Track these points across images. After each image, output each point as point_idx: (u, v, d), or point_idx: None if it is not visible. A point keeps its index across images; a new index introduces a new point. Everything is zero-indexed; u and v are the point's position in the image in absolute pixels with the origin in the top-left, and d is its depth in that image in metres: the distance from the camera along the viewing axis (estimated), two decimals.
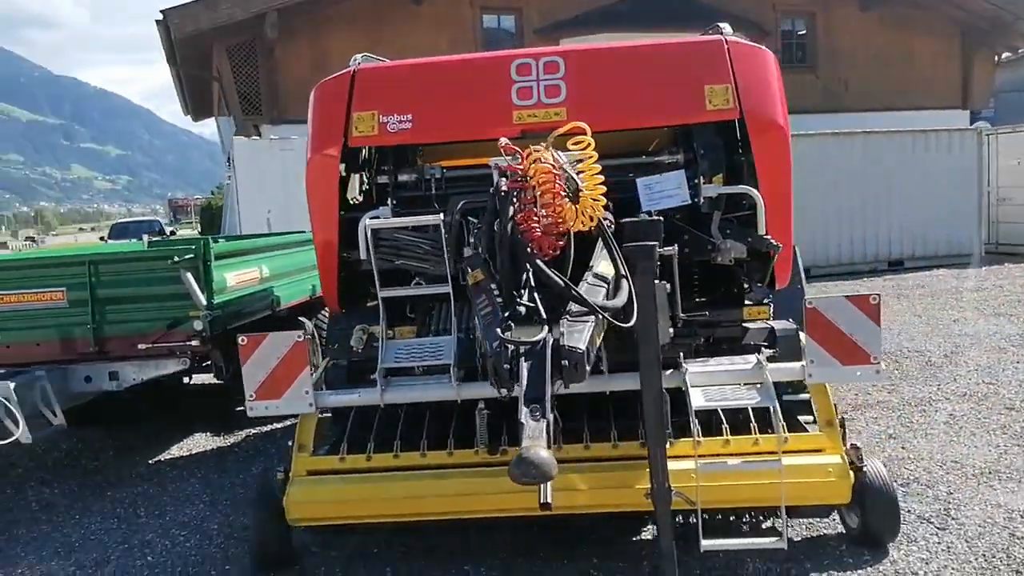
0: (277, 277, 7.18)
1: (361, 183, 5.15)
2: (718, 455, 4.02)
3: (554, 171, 3.18)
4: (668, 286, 3.71)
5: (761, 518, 4.62)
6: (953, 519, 4.70)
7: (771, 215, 4.30)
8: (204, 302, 5.75)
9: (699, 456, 3.86)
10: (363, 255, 4.16)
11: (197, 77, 19.67)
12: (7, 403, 5.34)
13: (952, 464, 5.58)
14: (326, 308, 6.20)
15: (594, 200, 3.25)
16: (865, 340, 3.85)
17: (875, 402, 7.22)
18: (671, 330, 3.73)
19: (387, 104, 4.34)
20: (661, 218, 3.85)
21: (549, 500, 3.14)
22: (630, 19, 17.73)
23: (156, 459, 6.89)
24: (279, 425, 7.34)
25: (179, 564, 4.76)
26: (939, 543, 4.42)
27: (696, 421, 3.84)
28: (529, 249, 3.13)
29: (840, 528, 4.54)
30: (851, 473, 3.91)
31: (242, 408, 4.41)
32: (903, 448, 5.97)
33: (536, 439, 2.55)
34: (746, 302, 4.63)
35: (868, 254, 16.75)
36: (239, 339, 4.07)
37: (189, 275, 5.70)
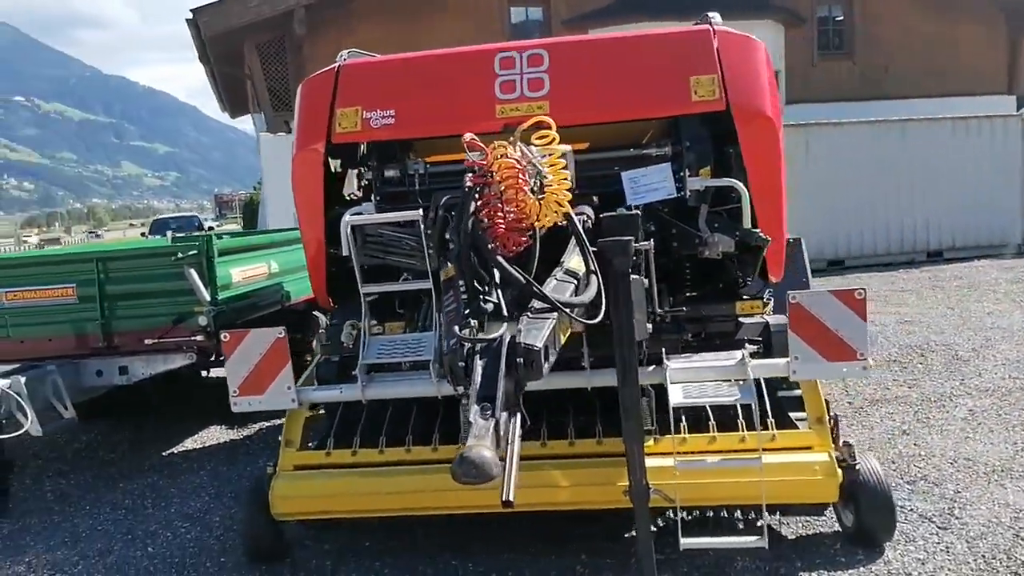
0: (288, 272, 7.23)
1: (359, 179, 5.16)
2: (704, 452, 3.96)
3: (517, 166, 3.14)
4: (645, 281, 3.65)
5: (753, 515, 4.55)
6: (956, 518, 4.57)
7: (761, 208, 4.21)
8: (207, 298, 5.82)
9: (679, 453, 3.80)
10: (345, 251, 4.16)
11: (230, 75, 19.92)
12: (18, 397, 5.45)
13: (964, 462, 5.43)
14: None
15: (559, 195, 3.21)
16: (851, 336, 3.75)
17: (893, 397, 7.06)
18: (649, 326, 3.66)
19: (371, 100, 4.33)
20: (639, 212, 3.79)
21: (511, 498, 3.11)
22: (658, 8, 17.53)
23: (170, 451, 7.00)
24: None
25: (177, 555, 4.83)
26: (939, 543, 4.31)
27: (675, 418, 3.78)
28: (491, 245, 3.09)
29: (837, 526, 4.45)
30: (839, 471, 3.82)
31: None
32: (915, 444, 5.82)
33: (481, 438, 2.51)
34: (743, 296, 4.54)
35: (905, 245, 16.41)
36: (222, 336, 4.11)
37: (192, 271, 5.76)
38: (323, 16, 17.25)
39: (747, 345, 4.05)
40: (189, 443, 7.18)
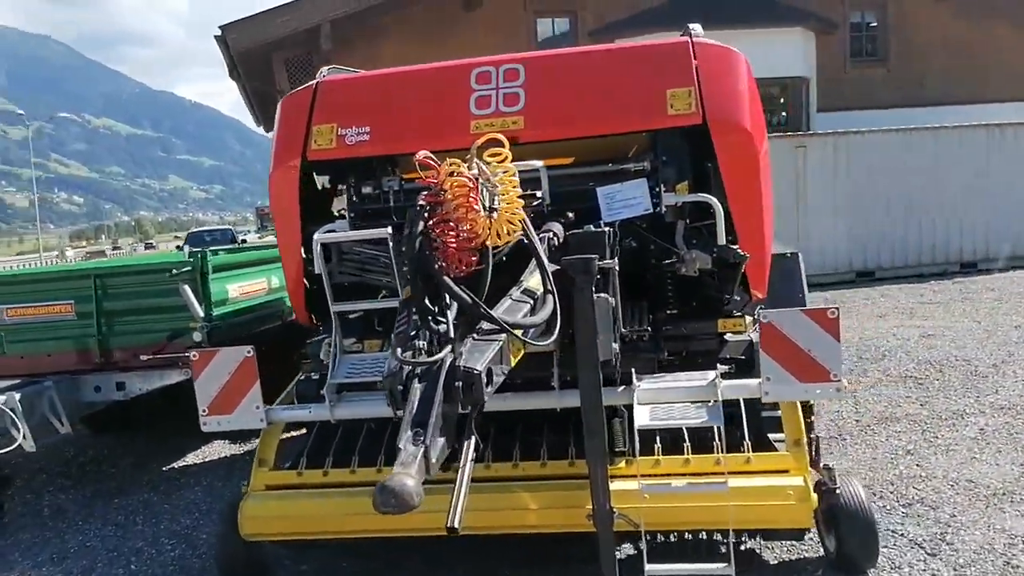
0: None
1: (349, 195, 5.14)
2: (677, 475, 3.86)
3: (469, 184, 3.09)
4: (612, 300, 3.57)
5: (728, 540, 4.43)
6: (948, 544, 4.41)
7: (741, 224, 4.10)
8: (201, 314, 5.84)
9: (644, 476, 3.71)
10: (317, 269, 4.14)
11: (262, 90, 20.14)
12: (12, 413, 5.51)
13: (966, 484, 5.24)
14: None
15: (510, 214, 3.14)
16: (824, 356, 3.63)
17: (903, 415, 6.87)
18: (616, 345, 3.58)
19: (346, 116, 4.31)
20: (607, 230, 3.71)
21: (455, 525, 3.05)
22: (685, 17, 17.36)
23: (170, 466, 7.04)
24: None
25: (159, 573, 4.84)
26: (924, 570, 4.15)
27: (642, 440, 3.69)
28: (437, 265, 3.04)
29: (823, 551, 4.32)
30: (813, 496, 3.69)
31: None
32: (917, 465, 5.65)
33: (407, 465, 2.45)
34: (733, 313, 4.43)
35: (938, 256, 16.02)
36: (191, 355, 4.10)
37: (187, 287, 5.79)
38: (349, 32, 17.37)
39: (719, 366, 3.94)
40: (190, 458, 7.21)
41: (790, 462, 3.84)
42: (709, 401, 3.66)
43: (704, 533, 4.16)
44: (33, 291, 6.23)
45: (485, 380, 2.76)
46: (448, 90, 4.27)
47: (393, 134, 4.25)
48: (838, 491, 3.99)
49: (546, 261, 3.29)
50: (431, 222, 3.10)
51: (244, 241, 33.31)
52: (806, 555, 4.38)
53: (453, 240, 3.09)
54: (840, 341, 3.64)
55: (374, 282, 4.34)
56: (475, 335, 2.93)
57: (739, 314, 4.39)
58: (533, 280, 3.36)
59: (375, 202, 4.48)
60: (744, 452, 3.90)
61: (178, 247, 37.19)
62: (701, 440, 3.99)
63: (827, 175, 15.61)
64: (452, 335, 2.93)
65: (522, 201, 3.17)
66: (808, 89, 20.27)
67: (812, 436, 4.15)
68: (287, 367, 5.10)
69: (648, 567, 3.55)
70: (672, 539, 4.21)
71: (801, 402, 5.14)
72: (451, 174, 3.09)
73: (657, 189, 4.10)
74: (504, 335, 2.94)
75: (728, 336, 4.45)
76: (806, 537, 4.40)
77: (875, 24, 21.86)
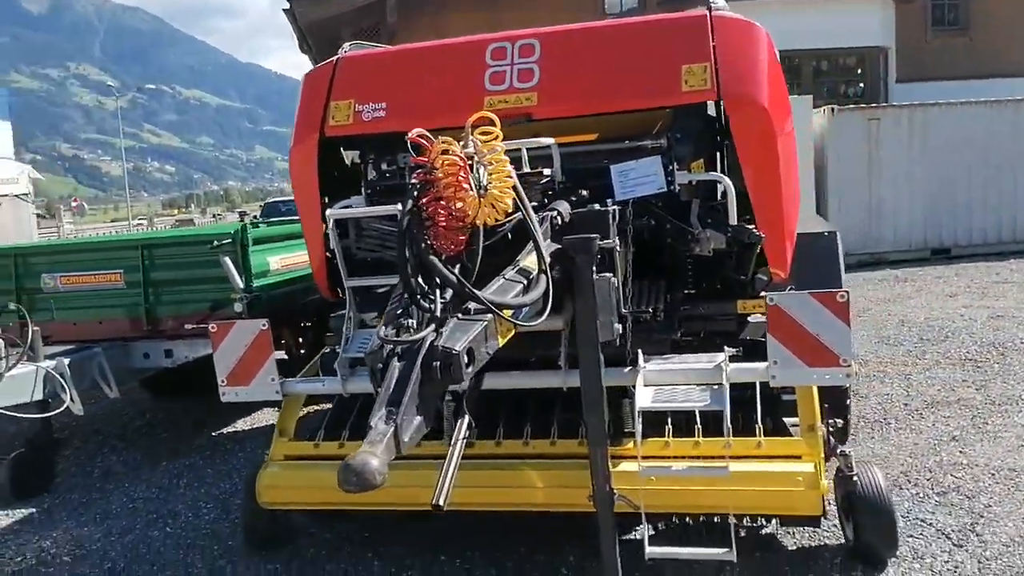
0: None
1: (366, 171, 5.17)
2: (686, 457, 3.81)
3: (459, 163, 3.07)
4: (615, 280, 3.52)
5: (761, 523, 4.36)
6: (977, 535, 4.25)
7: (758, 203, 3.98)
8: (241, 285, 5.97)
9: (646, 457, 3.67)
10: (331, 244, 4.19)
11: None
12: (60, 378, 5.76)
13: (1007, 473, 5.04)
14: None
15: (499, 194, 3.11)
16: (833, 340, 3.51)
17: (956, 399, 6.62)
18: (618, 326, 3.53)
19: (363, 92, 4.32)
20: (611, 208, 3.65)
21: (440, 503, 3.08)
22: None
23: (219, 432, 7.27)
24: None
25: (192, 536, 5.02)
26: (948, 561, 4.02)
27: (645, 421, 3.65)
28: (423, 244, 3.03)
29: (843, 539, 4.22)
30: (823, 483, 3.59)
31: None
32: (961, 452, 5.45)
33: (374, 444, 2.47)
34: (762, 294, 4.32)
35: (1019, 233, 15.29)
36: (210, 326, 4.21)
37: (227, 259, 5.93)
38: (415, 3, 17.40)
39: (726, 348, 3.84)
40: (240, 424, 7.43)
41: (803, 447, 3.74)
42: (715, 384, 3.58)
43: (718, 517, 4.09)
44: (84, 260, 6.48)
45: (466, 360, 2.75)
46: (463, 66, 4.24)
47: (408, 110, 4.25)
48: (855, 478, 3.88)
49: (541, 240, 3.25)
50: (423, 200, 3.09)
51: None
52: (827, 542, 4.28)
53: (443, 219, 3.08)
54: (850, 325, 3.51)
55: (392, 258, 4.37)
56: (459, 315, 2.92)
57: (762, 295, 4.28)
58: (530, 259, 3.32)
59: (392, 178, 4.50)
60: (756, 436, 3.82)
61: (254, 216, 38.00)
62: (716, 423, 3.92)
63: (902, 149, 15.01)
64: (439, 314, 2.94)
65: (512, 180, 3.13)
66: (887, 59, 19.52)
67: (830, 421, 4.03)
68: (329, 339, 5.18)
69: (649, 549, 3.52)
70: (688, 522, 4.16)
71: (835, 386, 5.07)
72: (445, 152, 3.08)
73: (671, 167, 4.01)
74: (490, 315, 2.93)
75: (751, 317, 4.35)
76: (828, 524, 4.32)
77: None
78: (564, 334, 3.90)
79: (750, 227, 4.00)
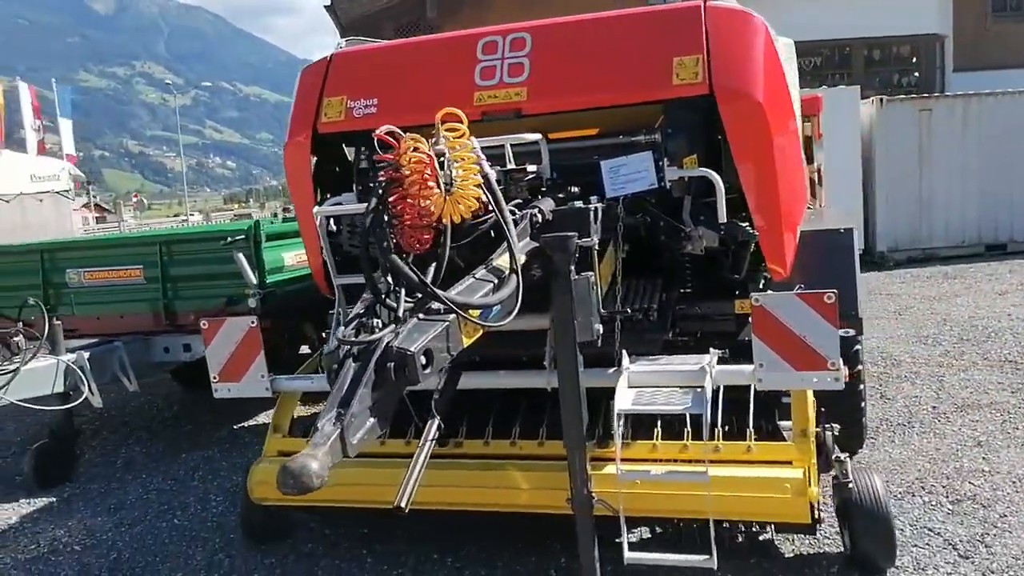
0: None
1: (357, 168, 5.16)
2: (672, 461, 3.73)
3: (425, 160, 3.03)
4: (595, 279, 3.44)
5: (756, 528, 4.25)
6: (986, 547, 4.08)
7: (753, 200, 3.86)
8: (254, 281, 6.03)
9: (635, 461, 3.60)
10: (320, 242, 4.19)
11: None
12: (80, 372, 5.88)
13: None
14: None
15: (466, 192, 3.06)
16: (820, 343, 3.38)
17: (988, 403, 6.37)
18: (599, 326, 3.45)
19: (355, 88, 4.31)
20: (592, 207, 3.57)
21: (403, 504, 3.06)
22: None
23: (240, 424, 7.36)
24: None
25: (197, 528, 5.08)
26: (951, 573, 3.86)
27: (625, 423, 3.57)
28: (386, 243, 3.00)
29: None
30: (812, 490, 3.47)
31: None
32: (983, 459, 5.23)
33: (317, 447, 2.45)
34: (752, 294, 4.17)
35: None
36: (201, 323, 4.24)
37: (241, 255, 5.98)
38: None
39: (712, 350, 3.72)
40: (261, 417, 7.50)
41: (793, 453, 3.63)
42: (697, 387, 3.48)
43: (712, 522, 3.99)
44: (106, 256, 6.61)
45: (423, 361, 2.71)
46: (454, 61, 4.20)
47: (399, 106, 4.22)
48: (851, 485, 3.75)
49: (514, 238, 3.19)
50: (391, 199, 3.06)
51: None
52: (826, 549, 4.15)
53: (409, 217, 3.05)
54: (837, 327, 3.37)
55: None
56: (421, 315, 2.88)
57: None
58: (504, 258, 3.27)
59: None
60: (746, 440, 3.72)
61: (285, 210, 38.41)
62: (699, 426, 3.83)
63: (955, 140, 14.49)
64: (401, 314, 2.91)
65: (479, 178, 3.07)
66: (943, 47, 18.88)
67: (824, 426, 3.90)
68: None
69: (628, 555, 3.44)
70: (681, 527, 4.07)
71: (847, 390, 4.90)
72: (412, 149, 3.04)
73: (661, 163, 3.91)
74: (453, 316, 2.88)
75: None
76: (830, 531, 4.19)
77: None
78: (550, 333, 3.84)
79: (744, 225, 3.89)
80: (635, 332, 3.96)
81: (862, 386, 4.98)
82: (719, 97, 3.74)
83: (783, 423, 3.87)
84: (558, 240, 3.31)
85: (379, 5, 16.72)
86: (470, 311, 2.96)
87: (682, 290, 4.26)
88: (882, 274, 13.43)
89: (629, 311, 3.85)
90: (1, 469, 6.62)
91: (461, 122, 3.10)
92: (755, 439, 3.80)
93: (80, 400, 5.84)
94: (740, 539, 4.27)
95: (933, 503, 4.62)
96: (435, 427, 3.26)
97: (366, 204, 3.09)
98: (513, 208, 3.58)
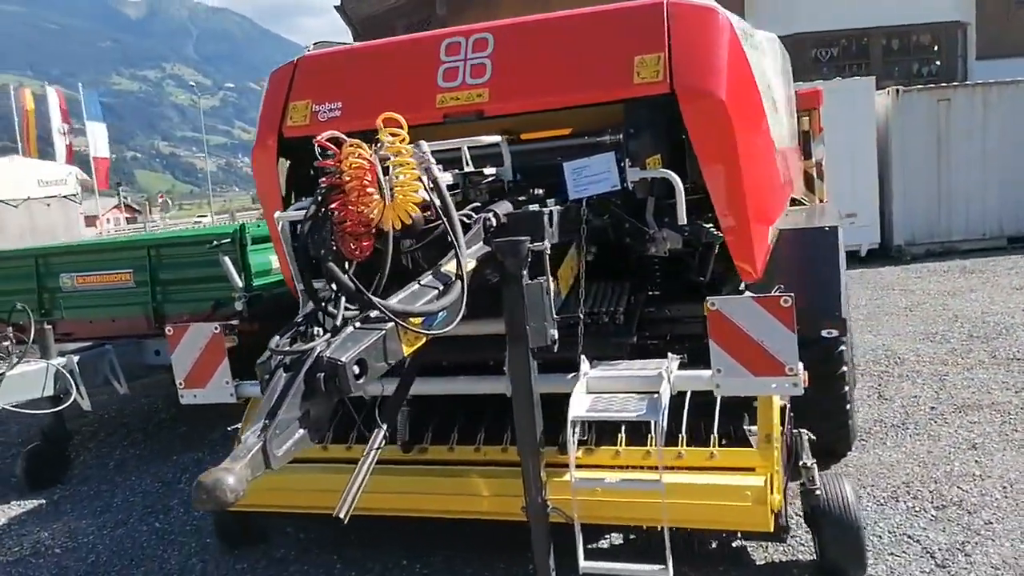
0: None
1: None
2: (636, 468, 3.66)
3: (365, 167, 2.98)
4: (546, 284, 3.38)
5: (725, 537, 4.18)
6: (966, 555, 3.96)
7: (718, 201, 3.77)
8: (240, 284, 6.03)
9: (594, 468, 3.54)
10: (284, 247, 4.15)
11: None
12: (68, 375, 5.91)
13: (1022, 487, 4.68)
14: None
15: (406, 198, 3.00)
16: (777, 348, 3.28)
17: (989, 403, 6.21)
18: (553, 331, 3.38)
19: (320, 92, 4.27)
20: (547, 210, 3.50)
21: (342, 514, 3.03)
22: None
23: (235, 426, 7.34)
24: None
25: (176, 531, 5.10)
26: None
27: (581, 429, 3.51)
28: (323, 250, 2.96)
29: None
30: (773, 497, 3.38)
31: None
32: (976, 462, 5.10)
33: (236, 460, 2.42)
34: (708, 298, 4.06)
35: None
36: (167, 329, 4.23)
37: (227, 259, 5.98)
38: None
39: (670, 355, 3.63)
40: None
41: (756, 459, 3.54)
42: (653, 393, 3.40)
43: (667, 531, 3.91)
44: (97, 260, 6.65)
45: (356, 371, 2.67)
46: (417, 63, 4.14)
47: (363, 109, 4.17)
48: (817, 492, 3.67)
49: (462, 243, 3.14)
50: (334, 205, 3.02)
51: None
52: (800, 557, 4.06)
53: (350, 224, 3.01)
54: (795, 332, 3.28)
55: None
56: (358, 323, 2.84)
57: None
58: (452, 264, 3.22)
59: None
60: (710, 447, 3.64)
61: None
62: (672, 432, 3.75)
63: (975, 130, 14.19)
64: (338, 323, 2.87)
65: (419, 184, 3.02)
66: (966, 35, 18.50)
67: (789, 430, 3.80)
68: None
69: (583, 564, 3.37)
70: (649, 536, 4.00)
71: (832, 392, 4.79)
72: (353, 155, 3.00)
73: (622, 164, 3.83)
74: (391, 324, 2.84)
75: None
76: (806, 538, 4.10)
77: None
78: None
79: (708, 227, 3.80)
80: (600, 336, 3.89)
81: (847, 388, 4.87)
82: (680, 96, 3.65)
83: (751, 428, 3.77)
84: (509, 244, 3.26)
85: (387, 4, 16.71)
86: (412, 319, 2.92)
87: (651, 292, 4.18)
88: (898, 268, 13.21)
89: (589, 314, 3.78)
90: (1, 470, 6.69)
91: (401, 127, 3.05)
92: (725, 444, 3.72)
93: (68, 403, 5.87)
94: (713, 546, 4.19)
95: (917, 509, 4.50)
96: (381, 436, 3.21)
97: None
98: (469, 212, 3.54)
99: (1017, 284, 11.10)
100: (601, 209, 3.98)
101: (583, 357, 3.61)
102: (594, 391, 3.55)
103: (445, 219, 3.14)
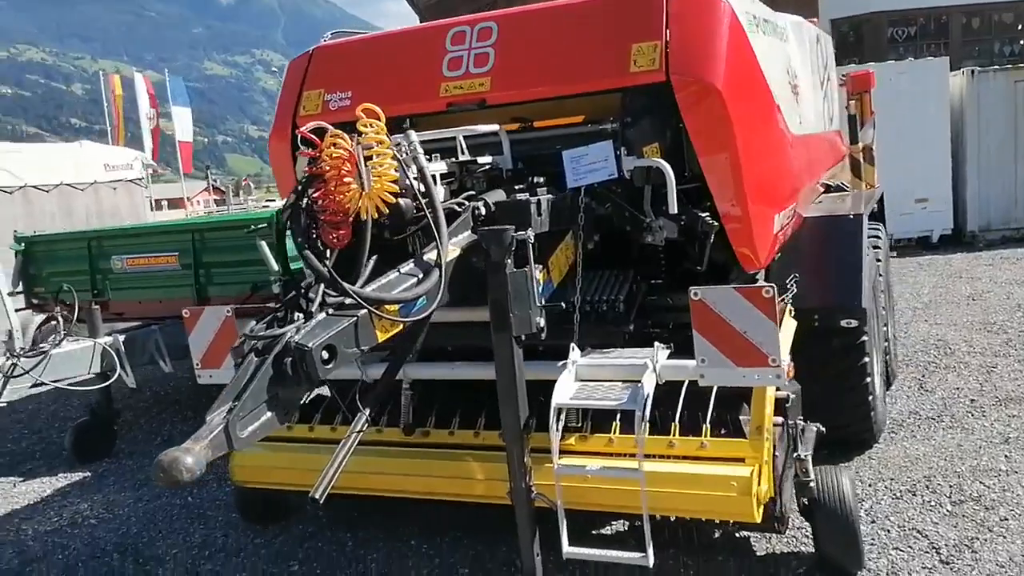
0: None
1: None
2: (628, 455, 3.66)
3: (343, 156, 3.05)
4: (538, 273, 3.41)
5: (729, 527, 4.15)
6: (974, 552, 3.85)
7: (716, 190, 3.74)
8: (276, 268, 6.20)
9: (578, 454, 3.56)
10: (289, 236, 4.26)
11: None
12: (115, 354, 6.20)
13: None
14: None
15: (382, 187, 3.06)
16: (760, 339, 3.23)
17: None
18: (539, 319, 3.41)
19: (332, 81, 4.36)
20: (535, 199, 3.52)
21: (317, 496, 3.13)
22: None
23: None
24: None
25: (205, 506, 5.32)
26: None
27: (565, 416, 3.53)
28: (300, 237, 3.05)
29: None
30: (759, 488, 3.35)
31: None
32: (1005, 457, 4.93)
33: (197, 440, 2.53)
34: (691, 288, 3.98)
35: None
36: (183, 312, 4.40)
37: (263, 243, 6.17)
38: None
39: (656, 343, 3.61)
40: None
41: (746, 450, 3.51)
42: (636, 382, 3.39)
43: (647, 519, 3.89)
44: (146, 243, 6.93)
45: (325, 356, 2.76)
46: (423, 53, 4.20)
47: (371, 98, 4.22)
48: (811, 484, 3.62)
49: (444, 232, 3.20)
50: (316, 194, 3.11)
51: None
52: (803, 549, 4.01)
53: (329, 214, 3.09)
54: (777, 323, 3.23)
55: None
56: (331, 309, 2.93)
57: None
58: (434, 252, 3.28)
59: None
60: (640, 436, 3.60)
61: None
62: (663, 420, 3.75)
63: (1007, 111, 13.52)
64: (312, 309, 2.96)
65: (395, 174, 3.08)
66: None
67: (788, 421, 3.74)
68: None
69: (567, 549, 3.41)
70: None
71: (852, 384, 4.70)
72: (334, 146, 3.08)
73: (618, 153, 3.81)
74: (364, 311, 2.92)
75: None
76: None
77: None
78: None
79: (704, 215, 3.77)
80: (598, 324, 3.90)
81: (868, 379, 4.76)
82: (675, 84, 3.62)
83: (745, 418, 3.73)
84: (493, 233, 3.29)
85: None
86: (388, 306, 2.99)
87: (654, 281, 4.17)
88: (970, 256, 12.71)
89: (588, 302, 3.81)
90: (55, 443, 7.05)
91: (379, 118, 3.12)
92: (724, 434, 3.69)
93: (113, 380, 6.17)
94: (716, 535, 4.18)
95: (933, 503, 4.39)
96: (363, 421, 3.30)
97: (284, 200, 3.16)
98: (461, 200, 3.59)
99: None
100: (602, 197, 3.98)
101: (573, 345, 3.63)
102: (581, 378, 3.57)
103: (425, 207, 3.21)
